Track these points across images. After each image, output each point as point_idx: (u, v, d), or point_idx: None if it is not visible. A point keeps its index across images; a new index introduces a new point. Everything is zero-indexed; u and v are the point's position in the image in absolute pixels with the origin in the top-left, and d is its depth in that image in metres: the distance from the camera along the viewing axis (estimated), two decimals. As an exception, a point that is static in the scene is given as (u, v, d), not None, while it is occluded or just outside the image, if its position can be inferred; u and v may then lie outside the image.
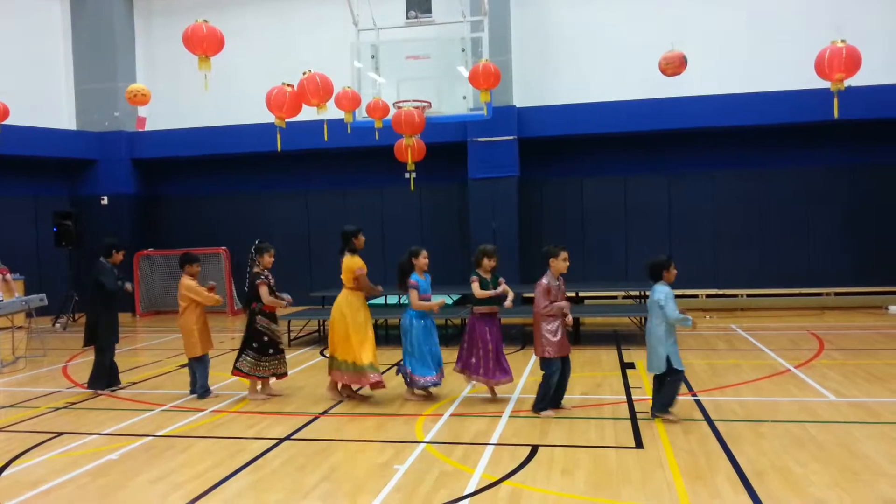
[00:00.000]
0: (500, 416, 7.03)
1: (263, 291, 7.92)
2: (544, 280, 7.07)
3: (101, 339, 8.66)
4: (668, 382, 6.68)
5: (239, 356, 8.05)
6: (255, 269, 8.08)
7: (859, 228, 15.03)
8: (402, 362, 7.98)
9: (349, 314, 7.75)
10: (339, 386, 7.99)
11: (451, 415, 7.19)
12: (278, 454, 6.09)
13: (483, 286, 7.51)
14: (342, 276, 7.89)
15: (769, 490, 4.95)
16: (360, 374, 7.68)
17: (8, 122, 11.80)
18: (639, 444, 6.05)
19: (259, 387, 8.17)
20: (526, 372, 9.03)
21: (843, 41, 8.40)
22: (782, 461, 5.51)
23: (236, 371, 8.06)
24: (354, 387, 7.97)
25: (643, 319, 11.58)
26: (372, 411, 7.46)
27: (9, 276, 14.69)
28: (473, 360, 7.55)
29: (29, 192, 16.88)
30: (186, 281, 8.30)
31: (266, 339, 7.99)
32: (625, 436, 6.29)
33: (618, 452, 5.84)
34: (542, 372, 7.09)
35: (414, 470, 5.56)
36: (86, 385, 8.90)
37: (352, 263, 7.79)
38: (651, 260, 6.89)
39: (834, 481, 5.07)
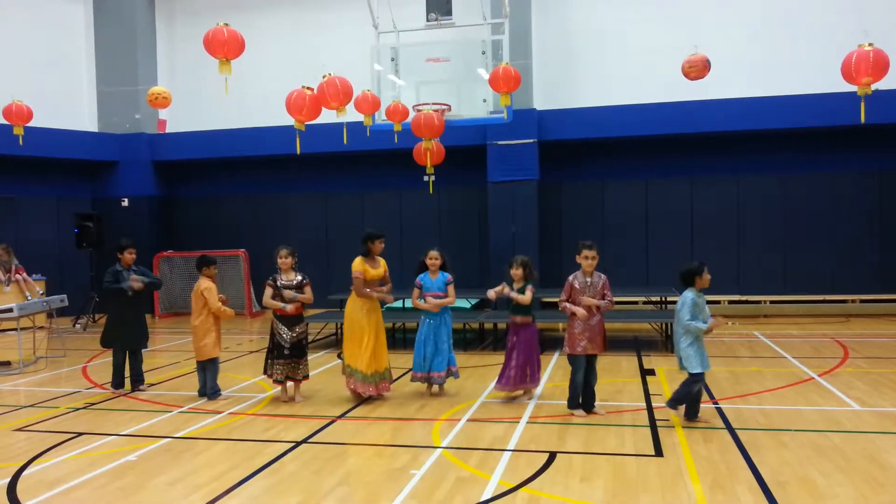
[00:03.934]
0: (518, 422, 6.97)
1: (266, 293, 7.97)
2: (570, 276, 7.15)
3: (124, 340, 8.77)
4: (683, 382, 6.80)
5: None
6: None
7: (886, 234, 14.80)
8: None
9: (349, 319, 7.95)
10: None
11: (469, 420, 7.14)
12: (295, 457, 6.08)
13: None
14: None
15: (791, 500, 4.86)
16: (351, 377, 7.89)
17: (31, 124, 11.91)
18: (658, 452, 5.97)
19: (280, 390, 8.17)
20: (544, 378, 8.96)
21: (870, 44, 8.27)
22: (805, 471, 5.41)
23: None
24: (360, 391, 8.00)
25: (664, 325, 11.49)
26: (389, 415, 7.42)
27: (23, 275, 14.84)
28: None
29: (51, 193, 17.06)
30: (206, 283, 8.30)
31: (274, 341, 8.02)
32: (644, 443, 6.22)
33: (637, 460, 5.77)
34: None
35: (430, 475, 5.52)
36: (104, 385, 9.00)
37: (353, 265, 7.93)
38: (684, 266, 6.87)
39: (858, 492, 4.97)
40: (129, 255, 8.79)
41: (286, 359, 7.97)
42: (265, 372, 8.11)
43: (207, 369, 8.34)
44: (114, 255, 8.87)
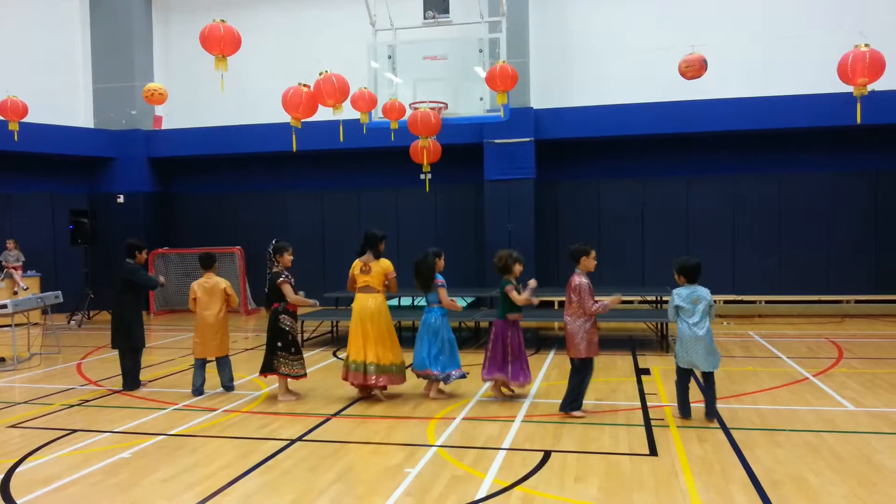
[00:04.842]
0: (513, 421, 6.97)
1: (288, 290, 7.91)
2: (584, 279, 7.06)
3: (137, 339, 8.78)
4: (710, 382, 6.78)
5: (271, 357, 7.97)
6: (276, 269, 8.01)
7: (882, 235, 14.85)
8: (426, 365, 7.98)
9: (387, 317, 7.88)
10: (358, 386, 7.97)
11: (464, 418, 7.14)
12: (290, 455, 6.07)
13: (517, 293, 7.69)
14: (373, 280, 7.82)
15: (785, 499, 4.87)
16: (401, 375, 7.87)
17: (26, 119, 11.88)
18: (653, 451, 5.98)
19: (286, 387, 8.13)
20: (539, 377, 8.97)
21: (866, 45, 8.29)
22: (798, 470, 5.42)
23: (271, 372, 8.02)
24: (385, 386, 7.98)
25: (659, 325, 11.49)
26: (384, 413, 7.42)
27: (18, 272, 14.83)
28: (500, 361, 7.76)
29: (46, 189, 17.01)
30: (223, 280, 8.40)
31: (290, 338, 7.97)
32: (639, 443, 6.22)
33: (632, 459, 5.77)
34: (578, 372, 7.09)
35: (425, 473, 5.52)
36: (100, 384, 8.99)
37: (388, 266, 7.90)
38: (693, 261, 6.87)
39: (851, 492, 4.98)
40: (143, 255, 8.91)
41: (297, 355, 8.03)
42: (286, 374, 7.95)
43: (223, 364, 8.42)
44: (122, 253, 8.88)
